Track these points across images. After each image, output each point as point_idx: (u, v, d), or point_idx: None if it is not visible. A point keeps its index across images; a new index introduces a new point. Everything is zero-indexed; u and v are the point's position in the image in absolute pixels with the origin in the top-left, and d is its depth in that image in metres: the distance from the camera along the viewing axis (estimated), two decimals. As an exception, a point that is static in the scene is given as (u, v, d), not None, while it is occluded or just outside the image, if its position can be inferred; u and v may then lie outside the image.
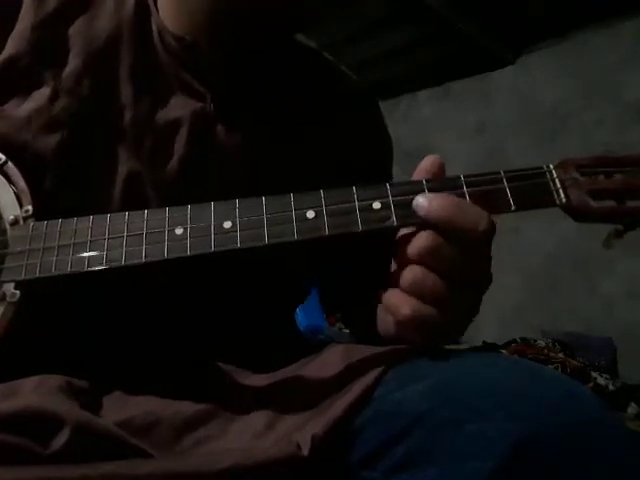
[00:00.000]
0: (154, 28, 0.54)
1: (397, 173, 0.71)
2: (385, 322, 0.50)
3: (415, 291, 0.40)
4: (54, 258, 0.42)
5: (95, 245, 0.42)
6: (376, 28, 2.41)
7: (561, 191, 0.42)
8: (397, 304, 0.41)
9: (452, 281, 0.40)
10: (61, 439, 0.35)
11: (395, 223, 0.41)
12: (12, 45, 0.50)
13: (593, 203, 0.42)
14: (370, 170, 0.63)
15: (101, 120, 0.50)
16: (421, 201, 0.40)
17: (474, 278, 0.41)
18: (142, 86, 0.52)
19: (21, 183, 0.46)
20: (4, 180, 0.46)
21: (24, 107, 0.48)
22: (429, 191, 0.41)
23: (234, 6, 0.51)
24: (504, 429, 0.34)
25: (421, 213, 0.40)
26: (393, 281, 0.42)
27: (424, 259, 0.40)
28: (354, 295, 0.65)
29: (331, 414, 0.39)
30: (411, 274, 0.40)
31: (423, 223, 0.41)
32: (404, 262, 0.41)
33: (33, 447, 0.35)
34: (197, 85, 0.54)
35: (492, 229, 0.40)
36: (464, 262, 0.40)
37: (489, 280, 0.42)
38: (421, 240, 0.40)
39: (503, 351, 2.14)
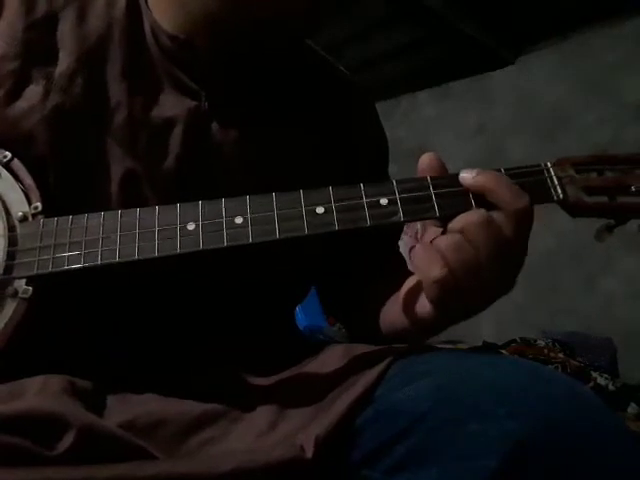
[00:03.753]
0: (146, 27, 0.54)
1: (397, 173, 0.71)
2: (395, 312, 0.50)
3: (450, 253, 0.41)
4: (66, 254, 0.43)
5: (108, 241, 0.43)
6: (376, 28, 2.40)
7: (558, 187, 0.44)
8: (430, 261, 0.42)
9: (486, 254, 0.41)
10: (66, 441, 0.35)
11: (402, 218, 0.43)
12: (1, 46, 0.50)
13: (587, 199, 0.44)
14: (366, 168, 0.63)
15: (94, 119, 0.50)
16: (466, 174, 0.44)
17: (506, 257, 0.42)
18: (135, 85, 0.52)
19: (28, 180, 0.46)
20: (11, 177, 0.46)
21: (17, 105, 0.48)
22: (434, 188, 0.44)
23: (250, 12, 0.50)
24: (505, 428, 0.34)
25: (466, 182, 0.44)
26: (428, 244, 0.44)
27: (464, 230, 0.42)
28: (353, 295, 0.65)
29: (334, 413, 0.40)
30: (451, 239, 0.42)
31: (434, 219, 0.43)
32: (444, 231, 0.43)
33: (38, 449, 0.35)
34: (191, 83, 0.54)
35: (529, 210, 0.42)
36: (501, 239, 0.42)
37: (520, 264, 0.44)
38: (465, 215, 0.42)
39: (503, 351, 2.13)
